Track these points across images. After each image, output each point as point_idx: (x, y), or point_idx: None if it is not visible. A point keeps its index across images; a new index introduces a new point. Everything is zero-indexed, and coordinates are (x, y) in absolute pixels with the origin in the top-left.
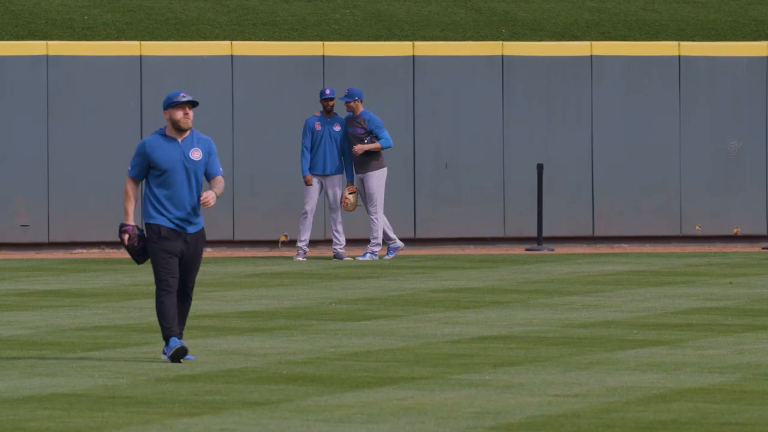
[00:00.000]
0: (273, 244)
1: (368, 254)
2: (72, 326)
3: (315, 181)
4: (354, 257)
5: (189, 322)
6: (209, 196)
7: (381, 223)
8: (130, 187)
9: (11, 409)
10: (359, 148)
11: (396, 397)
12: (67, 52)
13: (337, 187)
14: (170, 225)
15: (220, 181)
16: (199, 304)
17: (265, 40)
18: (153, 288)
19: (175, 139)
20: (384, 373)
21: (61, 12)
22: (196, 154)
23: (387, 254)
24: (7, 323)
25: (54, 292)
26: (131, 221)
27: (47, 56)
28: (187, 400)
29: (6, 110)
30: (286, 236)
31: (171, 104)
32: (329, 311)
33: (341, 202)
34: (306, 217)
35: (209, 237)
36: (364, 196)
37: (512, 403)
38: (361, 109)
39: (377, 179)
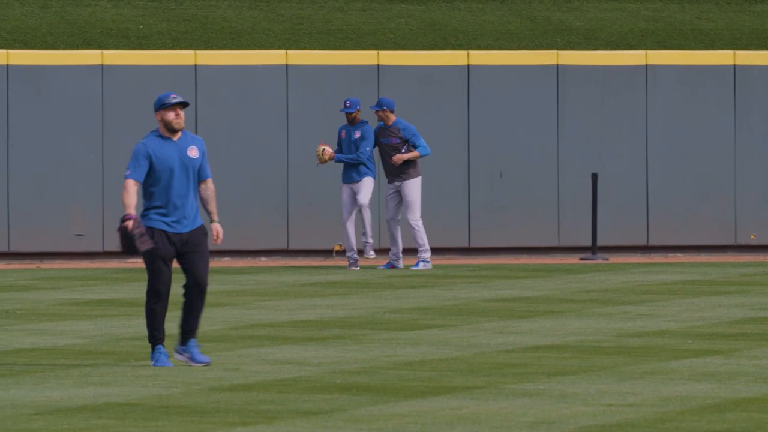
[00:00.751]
0: (327, 253)
1: (421, 263)
2: (126, 335)
3: (345, 189)
4: (407, 266)
5: (243, 332)
6: (218, 233)
7: (423, 229)
8: (131, 187)
9: (66, 419)
10: (398, 158)
11: (450, 407)
12: (122, 61)
13: (362, 193)
14: (167, 228)
15: (211, 188)
16: (253, 313)
17: (320, 49)
18: (208, 298)
19: (170, 139)
20: (438, 382)
21: (116, 21)
22: (193, 152)
23: (416, 266)
24: (61, 332)
25: (108, 301)
26: (133, 212)
27: (102, 65)
28: (240, 409)
29: (62, 119)
30: (340, 245)
31: (162, 106)
32: (383, 320)
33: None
34: (343, 227)
35: (263, 246)
36: (402, 203)
37: (566, 412)
38: (392, 119)
39: (415, 187)
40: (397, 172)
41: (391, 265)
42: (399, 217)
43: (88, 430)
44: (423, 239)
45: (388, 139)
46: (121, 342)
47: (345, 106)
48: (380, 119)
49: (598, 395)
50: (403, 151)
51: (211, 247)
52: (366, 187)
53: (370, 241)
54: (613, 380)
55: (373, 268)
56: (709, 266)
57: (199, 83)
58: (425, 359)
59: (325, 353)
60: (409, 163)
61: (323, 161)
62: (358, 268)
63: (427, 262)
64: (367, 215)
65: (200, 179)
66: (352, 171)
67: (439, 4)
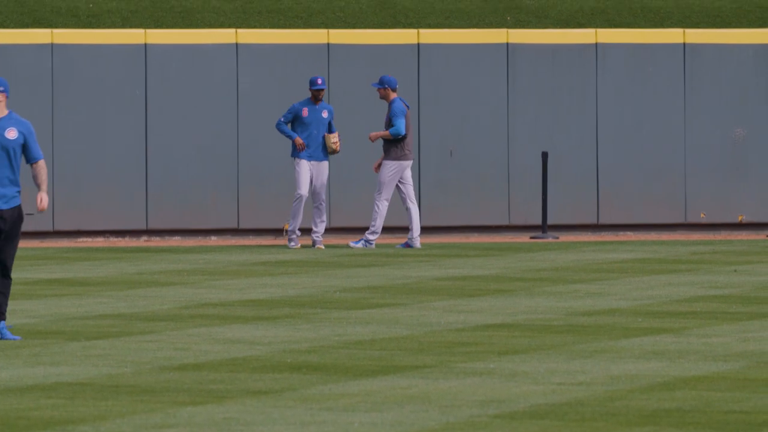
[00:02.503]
0: (278, 232)
1: (362, 242)
2: (76, 315)
3: (305, 164)
4: (350, 243)
5: (193, 311)
6: (43, 200)
7: (382, 212)
8: None
9: (15, 398)
10: (373, 135)
11: (400, 386)
12: (71, 40)
13: (325, 175)
14: None
15: (42, 168)
16: (203, 292)
17: (270, 28)
18: (157, 277)
19: None
20: (388, 361)
21: (66, 0)
22: (11, 134)
23: (357, 243)
24: (11, 312)
25: (58, 280)
26: None
27: (52, 44)
28: (190, 388)
29: (11, 98)
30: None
31: None
32: (334, 299)
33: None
34: (300, 202)
35: (214, 225)
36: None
37: (516, 391)
38: (391, 97)
39: (389, 169)
40: (384, 151)
41: (407, 245)
42: (408, 198)
43: (39, 409)
44: (376, 222)
45: (386, 118)
46: (71, 321)
47: (317, 84)
48: (381, 97)
49: (548, 374)
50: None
51: (161, 225)
52: (326, 173)
53: (320, 228)
54: (563, 359)
55: (330, 247)
56: (659, 245)
57: (150, 62)
58: (375, 338)
59: (275, 332)
60: (390, 143)
61: (336, 151)
62: (299, 246)
63: (370, 243)
64: (323, 206)
65: (31, 160)
66: (321, 149)
67: None
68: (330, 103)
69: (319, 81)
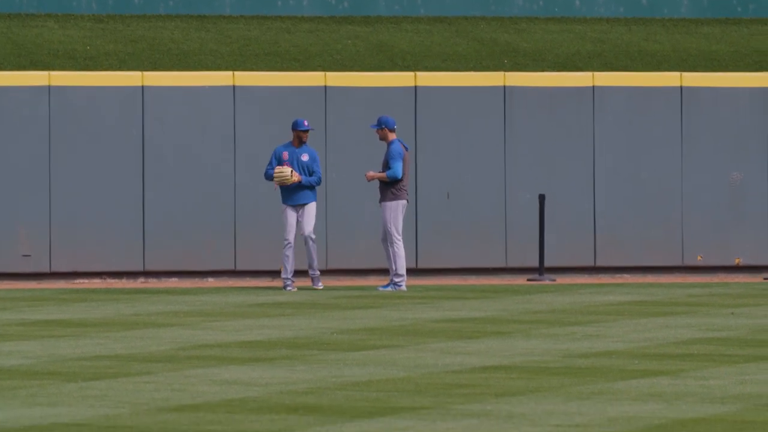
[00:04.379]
0: (275, 274)
1: (390, 285)
2: (73, 356)
3: (290, 211)
4: (378, 287)
5: (190, 352)
6: None
7: (400, 252)
8: None
9: None
10: (369, 175)
11: (397, 427)
12: (69, 82)
13: (311, 216)
14: None
15: None
16: (200, 333)
17: (267, 70)
18: (154, 318)
19: None
20: (385, 402)
21: (63, 43)
22: None
23: (386, 287)
24: (8, 353)
25: (55, 321)
26: None
27: (49, 87)
28: (188, 430)
29: (8, 140)
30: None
31: None
32: (331, 341)
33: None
34: (289, 248)
35: (211, 267)
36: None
37: None
38: (390, 137)
39: (390, 210)
40: (381, 194)
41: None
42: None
43: None
44: (396, 263)
45: (384, 159)
46: (68, 362)
47: (303, 125)
48: (381, 138)
49: (545, 416)
50: (383, 170)
51: (158, 267)
52: (311, 214)
53: (317, 272)
54: (560, 401)
55: (327, 289)
56: (656, 287)
57: (147, 104)
58: (372, 380)
59: (272, 374)
60: (387, 187)
61: (287, 183)
62: (294, 289)
63: (399, 285)
64: (313, 246)
65: None
66: (299, 192)
67: (386, 26)
68: (327, 145)
69: (306, 123)
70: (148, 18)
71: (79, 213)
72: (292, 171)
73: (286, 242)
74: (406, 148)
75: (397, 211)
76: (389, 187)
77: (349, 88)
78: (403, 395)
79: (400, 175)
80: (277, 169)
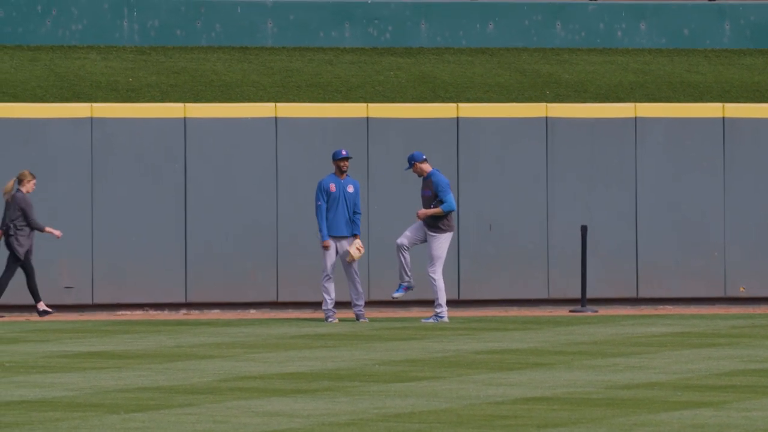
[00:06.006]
0: (317, 306)
1: (433, 317)
2: (115, 388)
3: (330, 242)
4: (421, 319)
5: (232, 384)
6: None
7: (441, 285)
8: None
9: None
10: (422, 213)
11: None
12: (111, 114)
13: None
14: None
15: None
16: (242, 365)
17: (309, 101)
18: (196, 350)
19: None
20: None
21: (105, 74)
22: None
23: (428, 319)
24: (51, 385)
25: (98, 353)
26: None
27: (92, 118)
28: None
29: (51, 172)
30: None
31: None
32: (373, 372)
33: (347, 256)
34: (327, 280)
35: (253, 298)
36: (421, 242)
37: None
38: (427, 170)
39: (441, 242)
40: (428, 224)
41: (405, 288)
42: (408, 247)
43: None
44: (438, 295)
45: (424, 191)
46: (110, 394)
47: (341, 154)
48: (419, 174)
49: None
50: (433, 205)
51: (200, 299)
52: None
53: (360, 302)
54: None
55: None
56: (698, 318)
57: (189, 136)
58: (414, 411)
59: (314, 405)
60: (437, 218)
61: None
62: (336, 321)
63: (441, 317)
64: (358, 279)
65: None
66: (344, 224)
67: (428, 57)
68: (369, 176)
69: (344, 152)
70: (190, 50)
71: (121, 245)
72: (357, 252)
73: (324, 275)
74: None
75: (447, 242)
76: (441, 218)
77: (391, 119)
78: (445, 427)
79: (455, 207)
80: (355, 244)
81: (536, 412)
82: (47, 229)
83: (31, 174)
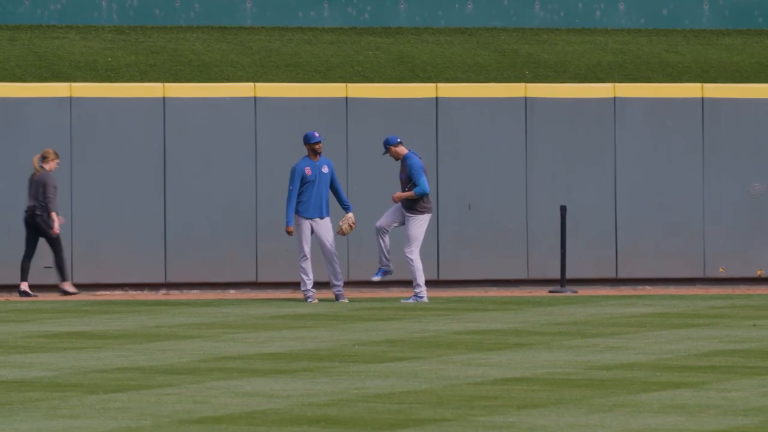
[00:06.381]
0: (296, 286)
1: (412, 298)
2: (95, 368)
3: (306, 224)
4: (400, 300)
5: (212, 364)
6: None
7: (419, 265)
8: None
9: None
10: (396, 196)
11: None
12: (90, 94)
13: (328, 231)
14: None
15: None
16: (222, 345)
17: (288, 81)
18: (176, 330)
19: None
20: (407, 414)
21: (84, 54)
22: None
23: (408, 300)
24: (30, 365)
25: (77, 333)
26: None
27: (71, 98)
28: None
29: (30, 152)
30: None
31: None
32: (352, 353)
33: (337, 230)
34: (305, 261)
35: (233, 278)
36: (399, 224)
37: None
38: (403, 152)
39: (417, 224)
40: (406, 206)
41: (384, 272)
42: (387, 230)
43: None
44: (415, 276)
45: (400, 174)
46: (90, 374)
47: (315, 137)
48: (394, 158)
49: (567, 428)
50: (407, 188)
51: (179, 279)
52: (329, 227)
53: (339, 282)
54: (582, 413)
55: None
56: (678, 299)
57: (168, 116)
58: (394, 392)
59: (294, 386)
60: (414, 201)
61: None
62: (315, 301)
63: (420, 297)
64: (336, 260)
65: None
66: (320, 205)
67: (407, 37)
68: (348, 157)
69: (317, 134)
70: (169, 29)
71: (100, 225)
72: (349, 225)
73: (302, 255)
74: (419, 158)
75: (424, 224)
76: (417, 200)
77: (370, 99)
78: (425, 407)
79: (428, 189)
80: (348, 220)
81: (516, 392)
82: (54, 214)
83: (55, 153)
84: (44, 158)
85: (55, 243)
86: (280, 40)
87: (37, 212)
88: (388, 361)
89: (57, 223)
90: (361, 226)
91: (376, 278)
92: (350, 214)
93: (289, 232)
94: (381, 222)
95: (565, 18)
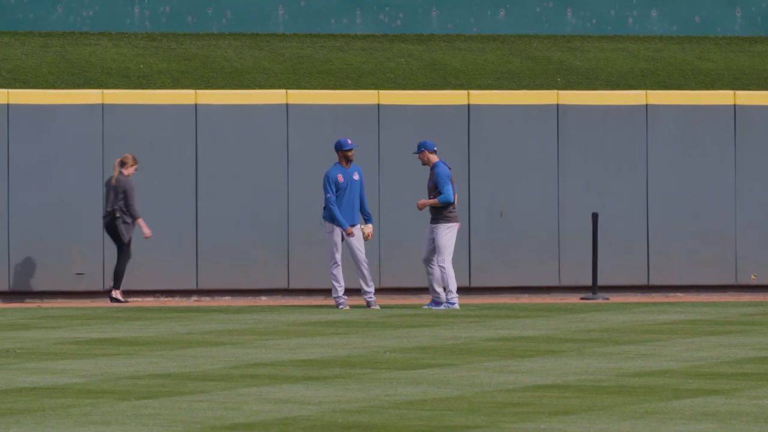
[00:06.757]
0: (328, 292)
1: (445, 305)
2: (127, 374)
3: (337, 231)
4: (423, 306)
5: (243, 371)
6: None
7: (451, 272)
8: None
9: None
10: (421, 203)
11: None
12: (122, 100)
13: (359, 238)
14: None
15: None
16: (253, 352)
17: (321, 88)
18: (207, 337)
19: None
20: (439, 421)
21: (116, 61)
22: None
23: (430, 305)
24: (62, 371)
25: (109, 340)
26: None
27: (103, 105)
28: None
29: (62, 159)
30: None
31: None
32: (384, 359)
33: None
34: (336, 267)
35: (264, 285)
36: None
37: None
38: (433, 160)
39: (443, 233)
40: (432, 217)
41: (435, 302)
42: (432, 258)
43: None
44: (448, 283)
45: (428, 182)
46: (122, 381)
47: (348, 144)
48: (423, 162)
49: None
50: (432, 196)
51: (211, 285)
52: (359, 234)
53: (371, 289)
54: (614, 420)
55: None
56: (709, 306)
57: (200, 123)
58: (426, 398)
59: (325, 392)
60: (439, 209)
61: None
62: (347, 307)
63: (452, 304)
64: (366, 267)
65: None
66: (353, 212)
67: (439, 44)
68: (380, 163)
69: (349, 141)
70: (201, 36)
71: (132, 231)
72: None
73: (333, 263)
74: (449, 168)
75: (451, 233)
76: (442, 209)
77: (402, 106)
78: (457, 414)
79: (452, 198)
80: (366, 230)
81: (547, 399)
82: (141, 221)
83: (134, 158)
84: (123, 163)
85: (123, 250)
86: (312, 47)
87: (117, 216)
88: (420, 368)
89: (146, 228)
90: (393, 233)
91: (426, 308)
92: (370, 225)
93: (349, 234)
94: (423, 254)
95: (597, 25)
